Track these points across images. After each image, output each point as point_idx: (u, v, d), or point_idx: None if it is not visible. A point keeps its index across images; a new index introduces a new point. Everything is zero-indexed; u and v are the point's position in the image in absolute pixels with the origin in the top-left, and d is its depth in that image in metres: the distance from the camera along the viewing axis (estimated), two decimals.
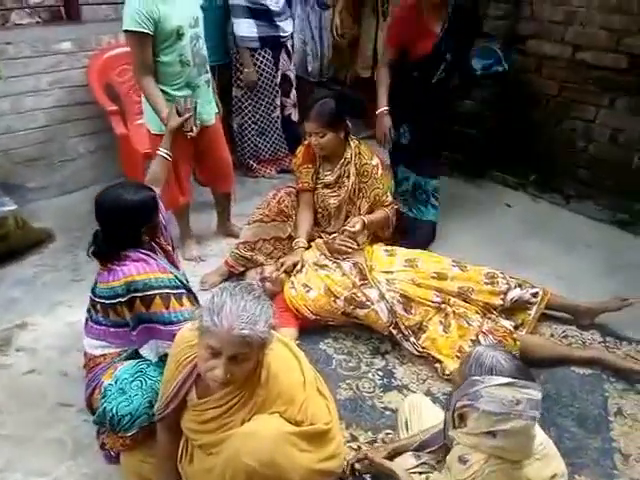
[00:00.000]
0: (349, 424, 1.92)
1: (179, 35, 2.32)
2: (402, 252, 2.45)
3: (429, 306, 2.23)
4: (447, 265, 2.36)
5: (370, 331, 2.31)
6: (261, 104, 3.54)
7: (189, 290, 1.84)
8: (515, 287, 2.29)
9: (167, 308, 1.67)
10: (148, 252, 1.75)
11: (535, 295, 2.30)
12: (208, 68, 2.56)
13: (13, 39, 2.97)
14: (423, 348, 2.18)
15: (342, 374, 2.15)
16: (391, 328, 2.21)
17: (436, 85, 2.60)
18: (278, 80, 3.51)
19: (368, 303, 2.22)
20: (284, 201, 2.60)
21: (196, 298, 1.87)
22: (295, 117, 3.72)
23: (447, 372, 2.09)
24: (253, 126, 3.61)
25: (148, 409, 1.61)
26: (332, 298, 2.27)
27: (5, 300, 2.50)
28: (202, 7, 2.50)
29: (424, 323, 2.20)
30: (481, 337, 2.12)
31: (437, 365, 2.14)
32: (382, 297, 2.22)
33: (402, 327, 2.20)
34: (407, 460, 1.55)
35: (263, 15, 3.27)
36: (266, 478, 1.31)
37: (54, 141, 3.29)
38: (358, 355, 2.24)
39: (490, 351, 1.32)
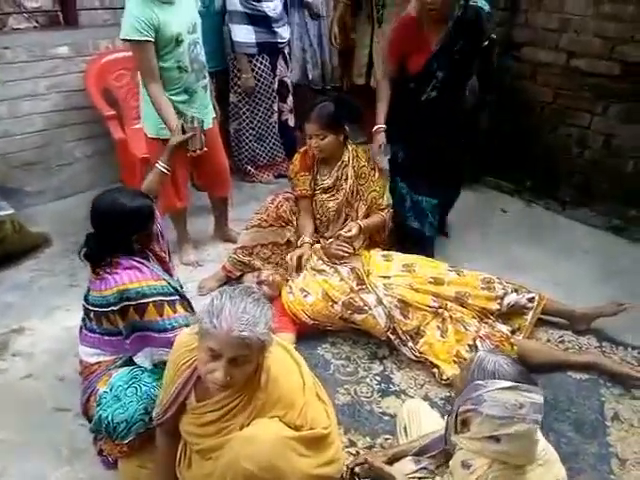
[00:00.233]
0: (347, 429, 1.91)
1: (178, 42, 2.33)
2: (399, 257, 2.45)
3: (426, 311, 2.23)
4: (444, 270, 2.37)
5: (368, 336, 2.31)
6: (258, 110, 3.56)
7: (182, 296, 1.84)
8: (512, 292, 2.30)
9: (161, 315, 1.67)
10: (141, 259, 1.75)
11: (531, 300, 2.31)
12: (206, 73, 2.57)
13: (10, 43, 2.98)
14: (421, 353, 2.18)
15: (340, 379, 2.15)
16: (389, 333, 2.22)
17: (427, 104, 2.46)
18: (275, 86, 3.53)
19: (366, 308, 2.22)
20: (282, 206, 2.60)
21: (190, 304, 1.87)
22: (292, 122, 3.74)
23: (444, 377, 2.10)
24: (250, 131, 3.62)
25: (144, 415, 1.61)
26: (330, 303, 2.27)
27: (1, 304, 2.49)
28: (200, 13, 2.51)
29: (422, 328, 2.21)
30: (478, 342, 2.12)
31: (434, 370, 2.14)
32: (380, 302, 2.23)
33: (400, 332, 2.20)
34: (406, 465, 1.56)
35: (261, 21, 3.29)
36: None
37: (51, 145, 3.29)
38: (356, 360, 2.25)
39: (492, 356, 1.33)
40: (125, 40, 2.28)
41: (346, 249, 2.44)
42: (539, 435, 1.32)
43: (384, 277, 2.33)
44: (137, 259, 1.73)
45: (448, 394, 2.07)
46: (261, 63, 3.41)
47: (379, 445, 1.86)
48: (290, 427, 1.38)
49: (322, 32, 3.78)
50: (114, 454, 1.68)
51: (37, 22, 3.13)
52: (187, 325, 1.68)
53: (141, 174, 3.02)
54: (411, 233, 2.77)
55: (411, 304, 2.23)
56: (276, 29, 3.36)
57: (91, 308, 1.70)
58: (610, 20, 3.14)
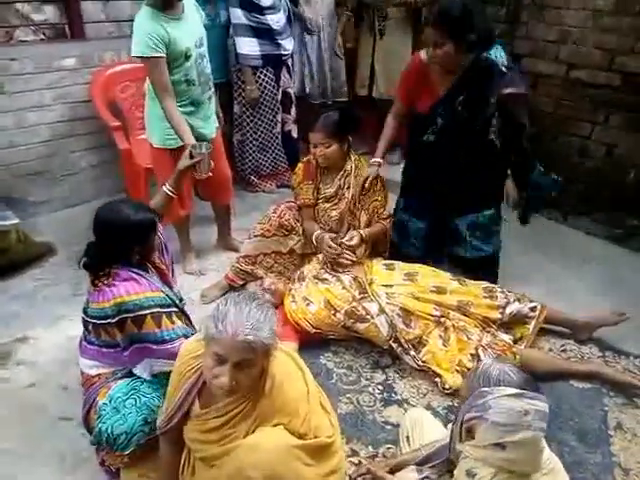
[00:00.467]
0: (350, 438, 1.91)
1: (187, 56, 2.34)
2: (401, 266, 2.46)
3: (429, 320, 2.24)
4: (446, 279, 2.37)
5: (370, 345, 2.32)
6: (262, 121, 3.59)
7: (181, 310, 1.85)
8: (514, 301, 2.30)
9: (159, 327, 1.67)
10: (139, 271, 1.74)
11: (533, 309, 2.31)
12: (212, 85, 2.60)
13: (17, 55, 3.02)
14: (423, 362, 2.19)
15: (342, 388, 2.15)
16: (391, 342, 2.22)
17: (426, 145, 2.40)
18: (279, 97, 3.56)
19: (368, 317, 2.23)
20: (285, 214, 2.62)
21: (188, 318, 1.88)
22: (295, 133, 3.76)
23: (447, 386, 2.10)
24: (254, 142, 3.65)
25: (143, 426, 1.62)
26: (332, 312, 2.28)
27: (6, 313, 2.50)
28: (205, 26, 2.54)
29: (424, 337, 2.21)
30: (480, 351, 2.13)
31: (437, 379, 2.14)
32: (382, 311, 2.24)
33: (402, 341, 2.21)
34: (409, 475, 1.55)
35: (265, 34, 3.32)
36: None
37: (57, 155, 3.32)
38: (358, 369, 2.25)
39: (497, 364, 1.33)
40: (138, 57, 2.27)
41: (349, 257, 2.45)
42: (544, 443, 1.32)
43: (386, 286, 2.34)
44: (135, 270, 1.73)
45: (450, 403, 2.07)
46: (265, 75, 3.44)
47: (381, 454, 1.86)
48: (294, 435, 1.38)
49: (322, 46, 3.75)
50: (116, 464, 1.68)
51: (44, 34, 3.17)
52: (186, 336, 1.68)
53: (145, 184, 3.06)
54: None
55: (413, 313, 2.24)
56: (280, 41, 3.39)
57: (89, 320, 1.70)
58: (610, 32, 3.18)
